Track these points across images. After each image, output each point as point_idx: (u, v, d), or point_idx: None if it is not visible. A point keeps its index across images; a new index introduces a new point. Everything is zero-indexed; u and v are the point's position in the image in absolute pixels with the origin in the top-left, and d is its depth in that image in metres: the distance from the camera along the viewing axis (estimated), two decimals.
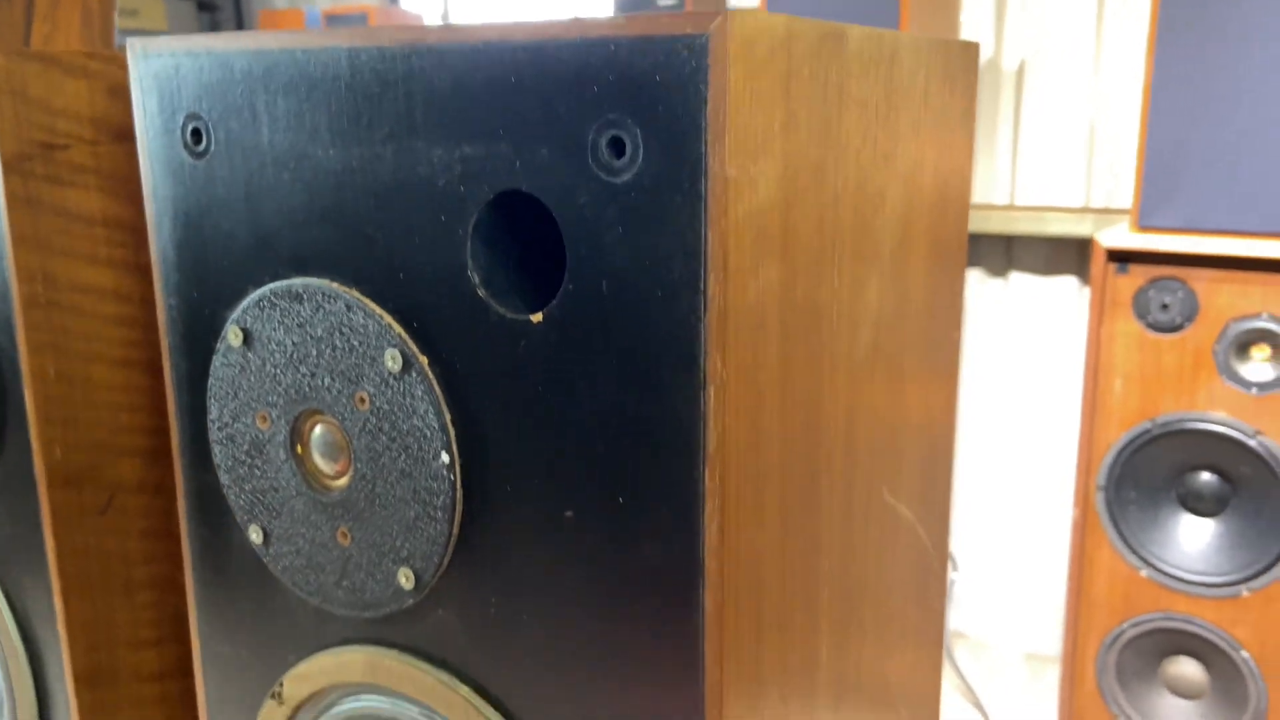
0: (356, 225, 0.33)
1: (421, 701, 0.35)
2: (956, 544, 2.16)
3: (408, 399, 0.33)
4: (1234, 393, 1.63)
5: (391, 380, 0.33)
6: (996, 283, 2.12)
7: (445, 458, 0.32)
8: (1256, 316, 1.61)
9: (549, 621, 0.32)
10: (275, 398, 0.36)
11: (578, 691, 0.32)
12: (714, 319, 0.27)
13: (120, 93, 0.45)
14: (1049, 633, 2.10)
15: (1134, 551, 1.78)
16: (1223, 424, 1.65)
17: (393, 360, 0.33)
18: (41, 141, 0.43)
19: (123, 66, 0.45)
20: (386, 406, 0.33)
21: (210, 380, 0.38)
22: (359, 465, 0.35)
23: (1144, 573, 1.77)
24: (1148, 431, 1.74)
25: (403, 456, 0.33)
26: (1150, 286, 1.67)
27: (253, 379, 0.37)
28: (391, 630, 0.36)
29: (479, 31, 0.30)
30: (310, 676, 0.38)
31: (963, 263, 0.43)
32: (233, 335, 0.36)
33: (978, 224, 2.02)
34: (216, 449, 0.38)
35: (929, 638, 0.45)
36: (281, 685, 0.38)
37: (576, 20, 0.28)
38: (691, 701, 0.30)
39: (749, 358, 0.29)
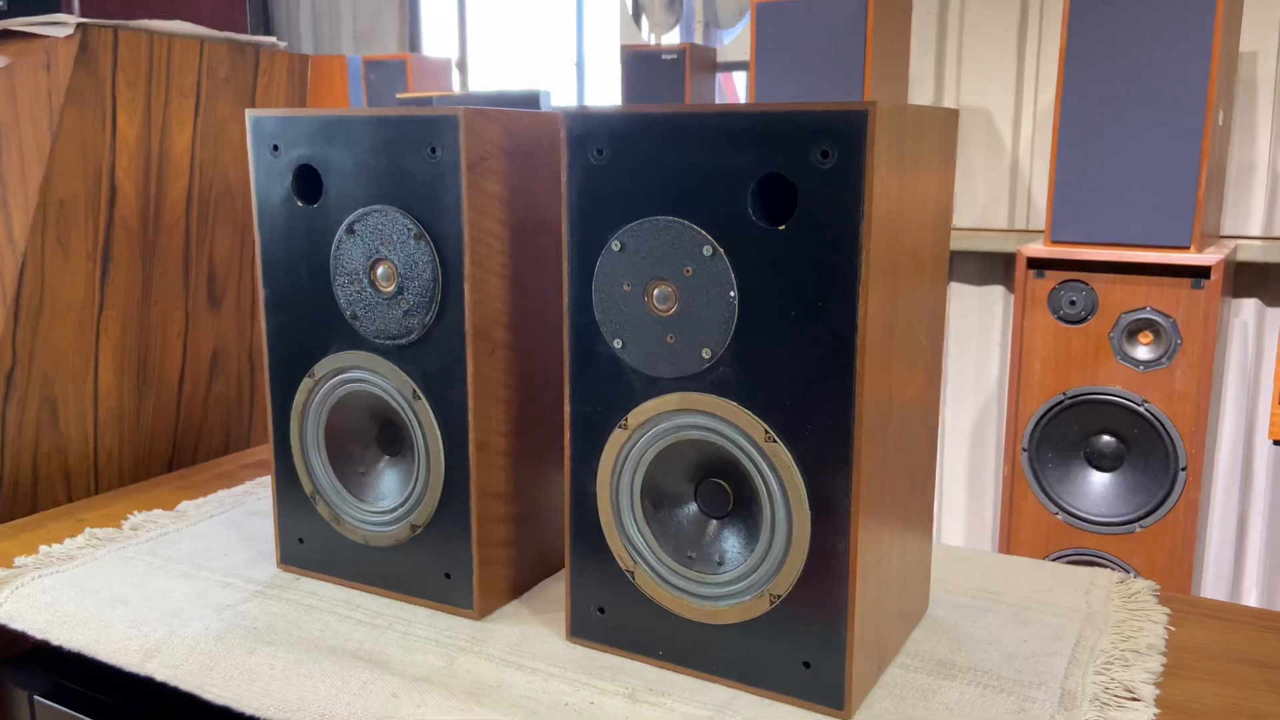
0: (689, 189, 0.74)
1: (709, 411, 0.75)
2: None
3: (714, 269, 0.73)
4: (1126, 370, 1.97)
5: (705, 260, 0.74)
6: None
7: (733, 293, 0.73)
8: (1142, 309, 1.95)
9: (777, 367, 0.73)
10: (636, 274, 0.76)
11: (791, 401, 0.73)
12: (864, 243, 0.68)
13: (510, 130, 0.85)
14: None
15: (1052, 500, 2.07)
16: (1118, 395, 1.99)
17: (707, 250, 0.73)
18: (479, 154, 0.83)
19: (515, 118, 0.85)
20: (702, 273, 0.74)
21: (596, 270, 0.78)
22: (683, 301, 0.75)
23: (1060, 517, 2.08)
24: (1061, 402, 2.05)
25: (709, 295, 0.74)
26: (1061, 287, 2.00)
27: (623, 266, 0.77)
28: (692, 383, 0.76)
29: (761, 106, 0.70)
30: (644, 410, 0.77)
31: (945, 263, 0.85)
32: (614, 245, 0.77)
33: None
34: (596, 302, 0.78)
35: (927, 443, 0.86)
36: (627, 419, 0.78)
37: (806, 102, 0.69)
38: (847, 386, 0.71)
39: (879, 267, 0.70)
